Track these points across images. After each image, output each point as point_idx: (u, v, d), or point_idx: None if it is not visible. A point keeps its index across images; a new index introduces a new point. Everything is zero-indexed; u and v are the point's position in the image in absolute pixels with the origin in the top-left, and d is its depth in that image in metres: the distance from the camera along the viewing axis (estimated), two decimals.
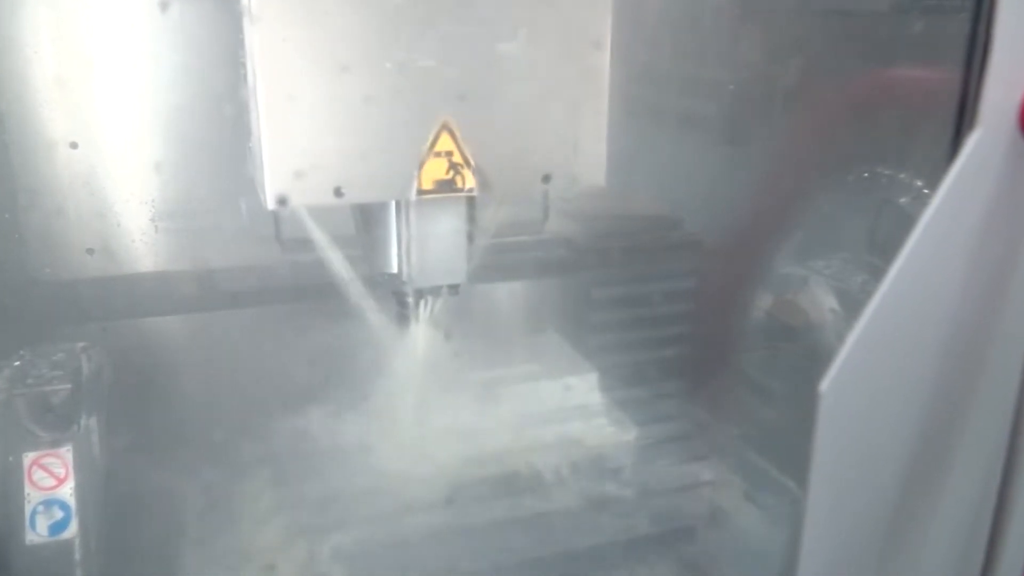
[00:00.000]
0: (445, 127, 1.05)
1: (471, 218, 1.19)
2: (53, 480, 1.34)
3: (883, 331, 1.06)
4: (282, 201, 1.04)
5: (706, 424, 1.87)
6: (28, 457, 1.34)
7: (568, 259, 1.92)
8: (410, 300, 1.25)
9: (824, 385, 1.05)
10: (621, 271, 1.98)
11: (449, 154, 1.06)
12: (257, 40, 1.01)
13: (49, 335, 1.54)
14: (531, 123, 1.10)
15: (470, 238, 1.20)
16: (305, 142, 1.03)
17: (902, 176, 1.68)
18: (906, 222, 1.09)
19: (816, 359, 1.61)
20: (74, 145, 1.64)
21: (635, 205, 2.06)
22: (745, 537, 1.64)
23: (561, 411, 1.72)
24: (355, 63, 1.02)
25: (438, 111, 1.05)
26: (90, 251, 1.70)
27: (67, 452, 1.35)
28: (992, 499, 1.18)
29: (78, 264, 1.70)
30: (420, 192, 1.06)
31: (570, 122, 1.11)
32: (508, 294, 1.97)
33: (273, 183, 1.03)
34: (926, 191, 1.55)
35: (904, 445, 1.13)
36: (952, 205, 1.05)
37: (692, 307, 1.98)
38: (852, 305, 1.63)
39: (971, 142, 1.03)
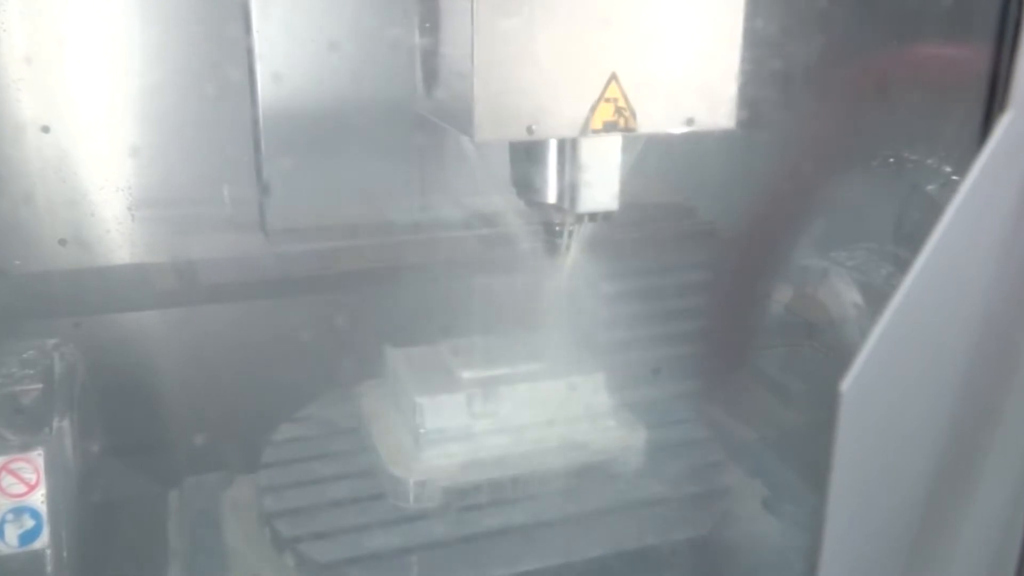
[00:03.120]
0: (614, 77, 1.32)
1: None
2: (23, 486, 1.35)
3: (908, 326, 1.07)
4: (486, 136, 1.31)
5: (721, 426, 1.87)
6: None
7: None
8: (567, 228, 1.51)
9: (845, 384, 1.05)
10: (629, 264, 1.98)
11: (615, 100, 1.33)
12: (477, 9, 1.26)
13: (18, 331, 1.54)
14: (677, 76, 1.37)
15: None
16: (508, 87, 1.29)
17: (930, 161, 1.68)
18: (934, 210, 1.10)
19: (837, 357, 1.62)
20: (45, 128, 1.65)
21: (645, 192, 2.07)
22: (762, 545, 1.65)
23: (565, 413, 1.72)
24: (549, 24, 1.29)
25: (607, 64, 1.32)
26: (62, 242, 1.70)
27: (38, 456, 1.35)
28: None
29: (49, 255, 1.70)
30: (592, 131, 1.33)
31: (707, 74, 1.38)
32: (508, 288, 1.97)
33: (480, 120, 1.28)
34: (955, 177, 1.55)
35: (930, 447, 1.14)
36: (982, 192, 1.05)
37: (704, 302, 1.99)
38: (876, 299, 1.64)
39: (1002, 125, 1.04)
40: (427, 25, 1.50)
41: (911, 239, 1.65)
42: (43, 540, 1.36)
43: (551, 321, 1.72)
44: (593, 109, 1.33)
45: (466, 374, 1.68)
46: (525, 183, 1.50)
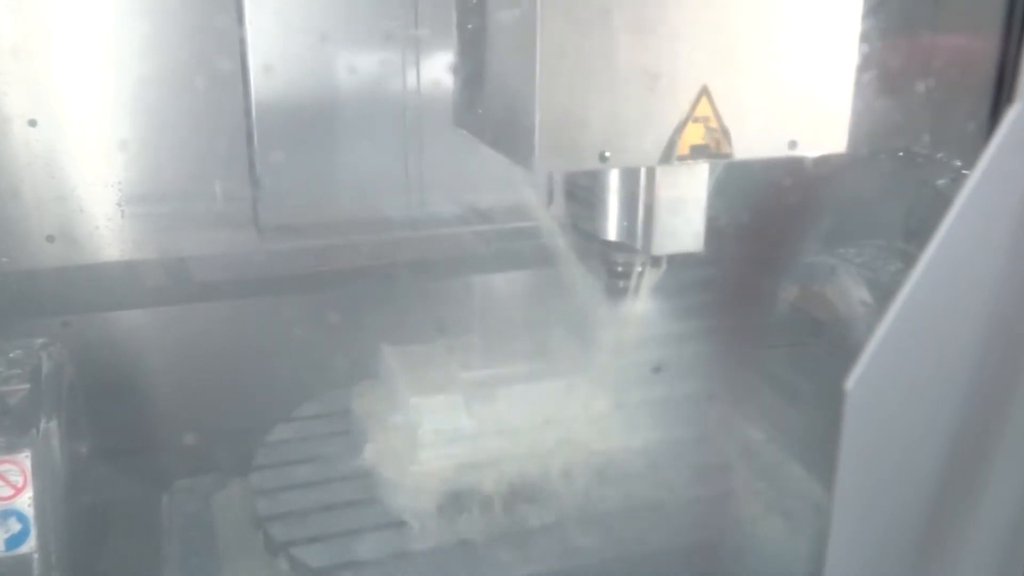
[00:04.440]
0: (704, 92, 1.15)
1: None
2: (10, 489, 1.35)
3: (915, 323, 1.07)
4: (549, 165, 1.16)
5: (725, 426, 1.87)
6: None
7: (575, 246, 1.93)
8: (635, 269, 1.36)
9: (850, 382, 1.06)
10: None
11: (706, 119, 1.16)
12: (542, 11, 1.10)
13: (5, 330, 1.54)
14: (779, 92, 1.21)
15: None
16: (575, 109, 1.12)
17: (939, 156, 1.68)
18: (943, 205, 1.10)
19: (844, 355, 1.62)
20: (32, 122, 1.66)
21: None
22: (767, 549, 1.65)
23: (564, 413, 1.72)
24: (623, 32, 1.12)
25: (696, 78, 1.15)
26: (50, 238, 1.71)
27: (25, 458, 1.35)
28: None
29: (37, 252, 1.71)
30: (678, 158, 1.16)
31: (815, 91, 1.22)
32: (509, 285, 1.97)
33: (542, 147, 1.12)
34: (965, 172, 1.56)
35: (937, 446, 1.14)
36: (989, 186, 1.05)
37: (707, 299, 1.99)
38: (884, 297, 1.64)
39: (1009, 117, 1.04)
40: (469, 27, 1.31)
41: (920, 235, 1.65)
42: (30, 544, 1.36)
43: (550, 319, 1.72)
44: (679, 131, 1.15)
45: (464, 373, 1.68)
46: (581, 214, 1.34)
